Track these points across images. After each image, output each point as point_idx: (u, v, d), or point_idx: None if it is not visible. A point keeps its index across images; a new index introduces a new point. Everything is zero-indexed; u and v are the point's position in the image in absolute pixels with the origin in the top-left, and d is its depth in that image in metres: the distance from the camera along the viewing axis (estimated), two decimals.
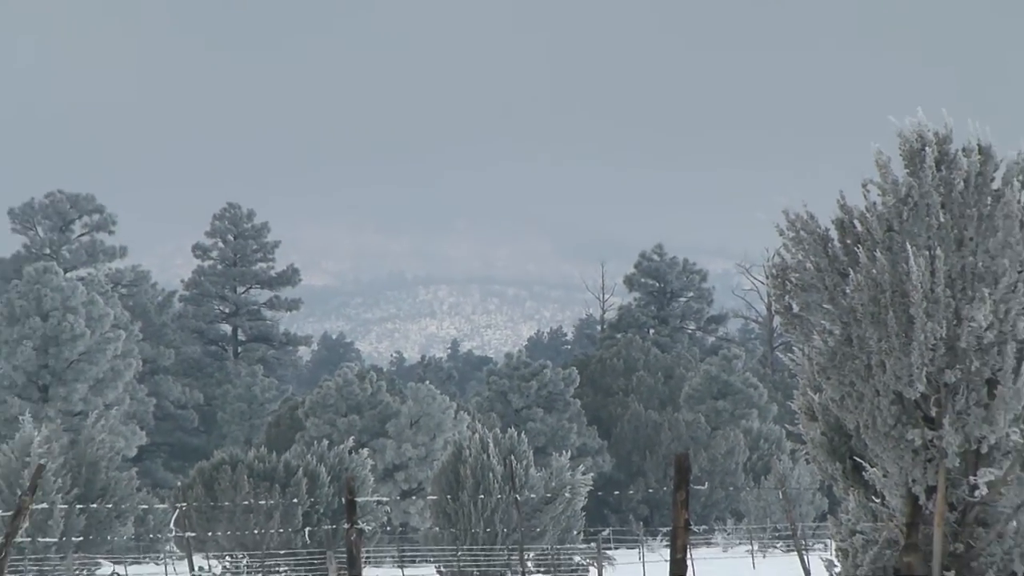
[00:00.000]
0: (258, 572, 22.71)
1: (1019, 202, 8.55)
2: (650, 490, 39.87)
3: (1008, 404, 8.56)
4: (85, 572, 25.43)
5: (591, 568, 24.74)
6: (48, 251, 50.34)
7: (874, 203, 8.70)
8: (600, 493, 30.94)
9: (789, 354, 9.73)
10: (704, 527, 36.10)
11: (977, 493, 8.83)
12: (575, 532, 25.60)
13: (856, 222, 8.78)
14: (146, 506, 30.93)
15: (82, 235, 52.29)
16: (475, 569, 22.79)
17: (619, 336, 57.31)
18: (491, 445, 25.15)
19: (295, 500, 24.23)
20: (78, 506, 25.58)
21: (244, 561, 23.05)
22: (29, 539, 21.16)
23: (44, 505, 21.95)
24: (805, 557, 11.08)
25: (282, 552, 23.19)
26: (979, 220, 8.50)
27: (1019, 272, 8.55)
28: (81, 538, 25.66)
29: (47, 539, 23.22)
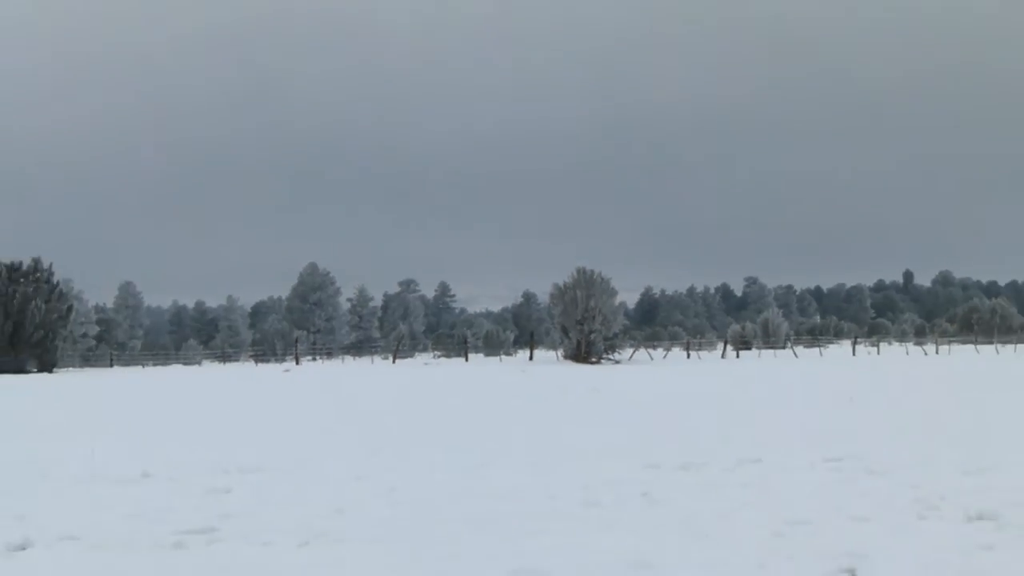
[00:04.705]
0: (443, 357, 60.77)
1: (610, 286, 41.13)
2: (528, 342, 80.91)
3: (604, 322, 41.36)
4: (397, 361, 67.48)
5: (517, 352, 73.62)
6: (404, 291, 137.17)
7: (572, 283, 41.11)
8: (521, 340, 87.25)
9: (554, 311, 42.50)
10: (540, 346, 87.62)
11: (592, 337, 41.68)
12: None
13: (566, 287, 41.21)
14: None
15: (407, 285, 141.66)
16: (495, 358, 59.42)
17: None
18: (505, 331, 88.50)
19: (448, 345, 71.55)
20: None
21: (441, 355, 63.87)
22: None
23: (404, 337, 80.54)
24: (557, 352, 43.83)
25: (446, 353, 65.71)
26: (597, 294, 41.00)
27: (604, 301, 41.10)
28: (406, 346, 71.23)
29: (406, 349, 69.11)
